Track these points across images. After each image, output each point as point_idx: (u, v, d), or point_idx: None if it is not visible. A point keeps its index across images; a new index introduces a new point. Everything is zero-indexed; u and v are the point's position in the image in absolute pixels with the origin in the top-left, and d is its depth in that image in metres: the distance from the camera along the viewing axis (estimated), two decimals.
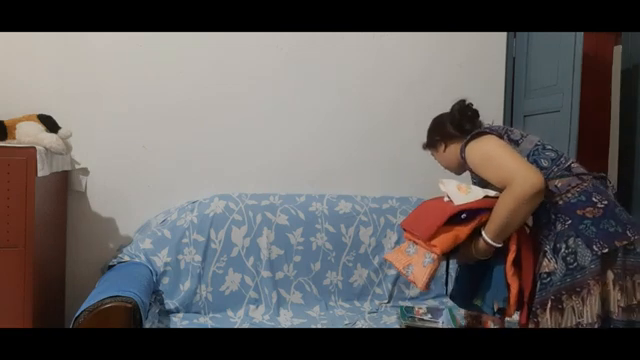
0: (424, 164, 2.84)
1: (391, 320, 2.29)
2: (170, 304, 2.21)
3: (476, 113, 1.85)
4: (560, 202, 1.58)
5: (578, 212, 1.54)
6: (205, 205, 2.40)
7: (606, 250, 1.48)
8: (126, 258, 2.23)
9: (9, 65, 2.33)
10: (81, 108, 2.40)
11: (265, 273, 2.37)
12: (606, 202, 1.55)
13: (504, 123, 2.96)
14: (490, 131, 1.70)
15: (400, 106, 2.81)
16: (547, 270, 1.57)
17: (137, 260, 2.22)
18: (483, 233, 1.60)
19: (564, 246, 1.55)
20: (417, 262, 1.63)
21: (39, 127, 2.08)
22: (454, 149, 1.83)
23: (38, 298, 1.91)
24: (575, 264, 1.52)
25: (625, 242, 1.50)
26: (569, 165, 1.65)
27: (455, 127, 1.83)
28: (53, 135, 2.06)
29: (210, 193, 2.48)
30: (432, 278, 1.60)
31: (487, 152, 1.64)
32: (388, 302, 2.48)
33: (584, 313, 1.50)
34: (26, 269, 1.85)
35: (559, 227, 1.57)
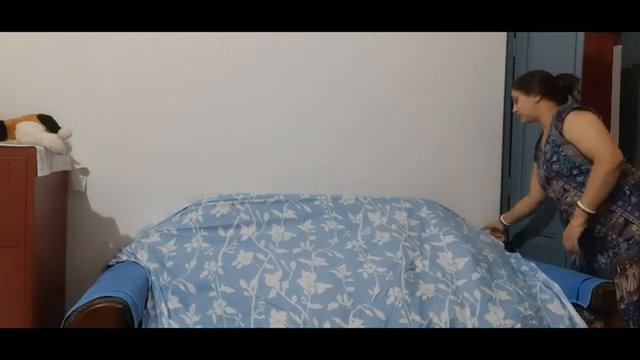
0: (424, 164, 2.85)
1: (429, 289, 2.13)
2: (179, 284, 2.10)
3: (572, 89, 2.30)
4: (632, 181, 2.10)
5: None
6: (210, 206, 2.39)
7: None
8: (124, 258, 2.22)
9: (9, 65, 2.32)
10: (81, 108, 2.40)
11: (280, 250, 2.28)
12: None
13: (504, 123, 2.97)
14: (592, 110, 2.14)
15: (400, 106, 2.80)
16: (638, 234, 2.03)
17: (134, 260, 2.20)
18: (580, 204, 2.08)
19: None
20: None
21: (39, 127, 2.08)
22: (545, 105, 2.28)
23: (38, 298, 1.91)
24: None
25: None
26: None
27: (559, 91, 2.28)
28: (53, 135, 2.06)
29: (210, 193, 2.48)
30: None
31: (588, 125, 2.10)
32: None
33: None
34: (26, 269, 1.85)
35: (633, 199, 2.06)
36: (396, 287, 2.11)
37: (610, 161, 2.01)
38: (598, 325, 2.13)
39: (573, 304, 2.17)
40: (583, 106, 2.17)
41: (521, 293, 2.16)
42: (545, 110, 2.29)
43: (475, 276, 2.17)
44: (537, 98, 2.29)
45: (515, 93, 2.37)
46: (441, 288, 2.14)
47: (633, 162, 2.66)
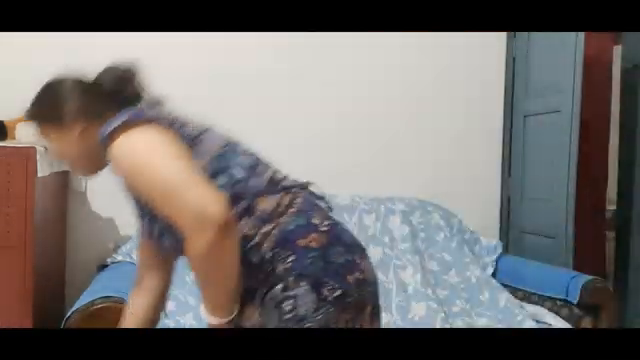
0: (424, 164, 2.85)
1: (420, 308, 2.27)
2: (179, 294, 2.11)
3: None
4: (274, 231, 1.11)
5: (300, 243, 1.10)
6: None
7: (339, 293, 1.08)
8: (119, 258, 2.21)
9: (9, 65, 2.33)
10: None
11: None
12: (328, 222, 1.18)
13: (504, 123, 2.96)
14: (150, 118, 1.13)
15: (400, 106, 2.80)
16: (249, 324, 1.12)
17: (130, 260, 2.19)
18: (207, 316, 1.14)
19: (279, 289, 1.08)
20: None
21: None
22: (93, 135, 1.18)
23: (38, 298, 1.91)
24: (293, 314, 1.07)
25: (357, 274, 1.13)
26: (272, 175, 1.21)
27: (112, 98, 1.22)
28: None
29: None
30: None
31: (141, 158, 1.10)
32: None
33: None
34: (26, 269, 1.85)
35: (280, 267, 1.08)
36: (388, 313, 2.23)
37: (204, 231, 1.01)
38: (587, 321, 2.13)
39: (563, 300, 2.20)
40: (137, 115, 1.15)
41: (500, 317, 2.28)
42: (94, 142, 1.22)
43: (455, 309, 2.35)
44: (79, 128, 1.23)
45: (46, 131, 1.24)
46: (432, 306, 2.27)
47: (634, 163, 2.66)
